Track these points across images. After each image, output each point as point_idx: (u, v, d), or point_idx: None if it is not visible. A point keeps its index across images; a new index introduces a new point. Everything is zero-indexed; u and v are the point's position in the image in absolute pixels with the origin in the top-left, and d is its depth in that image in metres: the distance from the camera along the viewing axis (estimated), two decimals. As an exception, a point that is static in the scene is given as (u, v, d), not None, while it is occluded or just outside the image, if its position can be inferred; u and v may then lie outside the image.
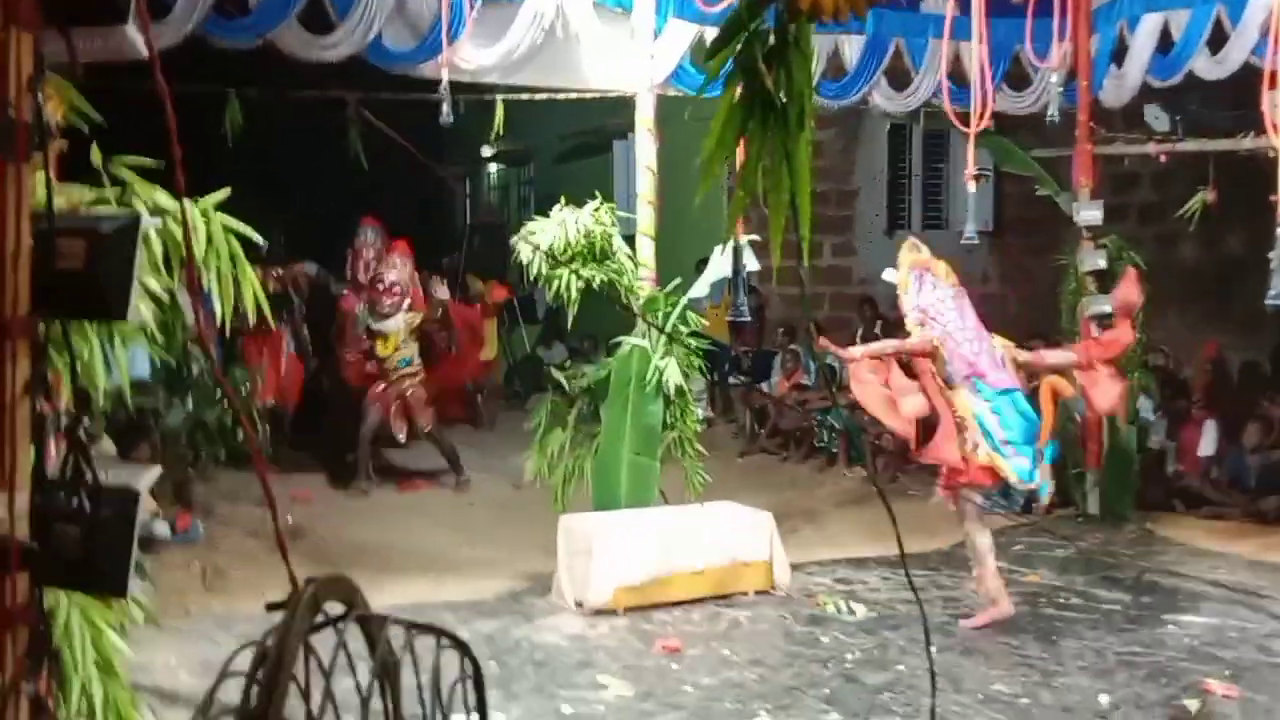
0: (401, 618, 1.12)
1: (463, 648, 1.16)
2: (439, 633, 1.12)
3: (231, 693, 1.01)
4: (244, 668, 0.96)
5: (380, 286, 10.36)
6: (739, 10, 1.85)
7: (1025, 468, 6.90)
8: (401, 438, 10.54)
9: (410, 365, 10.44)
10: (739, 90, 1.95)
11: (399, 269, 10.45)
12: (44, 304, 2.11)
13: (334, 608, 1.06)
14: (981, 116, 8.99)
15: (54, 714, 2.28)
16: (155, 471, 2.51)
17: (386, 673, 1.05)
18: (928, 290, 7.08)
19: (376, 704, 1.03)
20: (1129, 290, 7.78)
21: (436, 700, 1.09)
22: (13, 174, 2.10)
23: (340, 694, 1.05)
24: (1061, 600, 7.53)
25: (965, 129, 9.01)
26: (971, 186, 9.16)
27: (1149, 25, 9.72)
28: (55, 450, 2.24)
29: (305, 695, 0.97)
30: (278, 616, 0.96)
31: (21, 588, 2.05)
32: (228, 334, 8.20)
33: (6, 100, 2.09)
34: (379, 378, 10.42)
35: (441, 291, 10.81)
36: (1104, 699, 5.84)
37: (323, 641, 1.02)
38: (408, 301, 10.45)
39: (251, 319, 4.72)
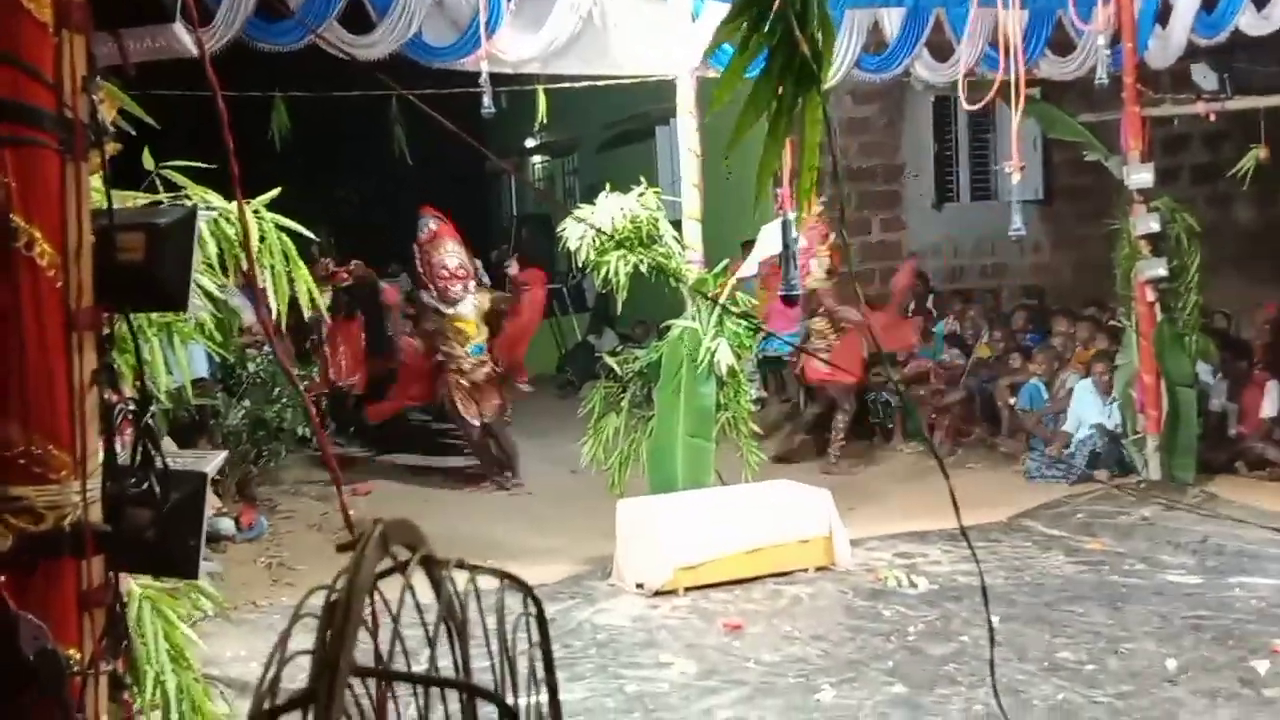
0: (465, 561, 1.17)
1: (525, 588, 1.21)
2: (502, 575, 1.16)
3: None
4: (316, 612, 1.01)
5: (445, 273, 9.85)
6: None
7: None
8: (476, 423, 10.12)
9: (482, 353, 10.02)
10: (765, 56, 1.98)
11: (458, 252, 9.96)
12: (107, 296, 2.18)
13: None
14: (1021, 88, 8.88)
15: (132, 694, 2.35)
16: (221, 456, 2.58)
17: (452, 614, 1.09)
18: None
19: (442, 647, 1.07)
20: (901, 277, 10.59)
21: (501, 638, 1.13)
22: (71, 171, 2.16)
23: (409, 639, 1.10)
24: (1126, 567, 7.47)
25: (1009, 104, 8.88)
26: (1016, 178, 9.00)
27: (1192, -17, 9.58)
28: (123, 439, 2.31)
29: (374, 635, 1.01)
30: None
31: (96, 571, 2.13)
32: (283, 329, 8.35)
33: (63, 101, 2.15)
34: (450, 376, 9.99)
35: (513, 268, 10.50)
36: (1171, 664, 5.80)
37: (389, 588, 1.07)
38: (473, 283, 10.04)
39: (307, 313, 4.83)
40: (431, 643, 1.07)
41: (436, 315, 10.03)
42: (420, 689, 1.06)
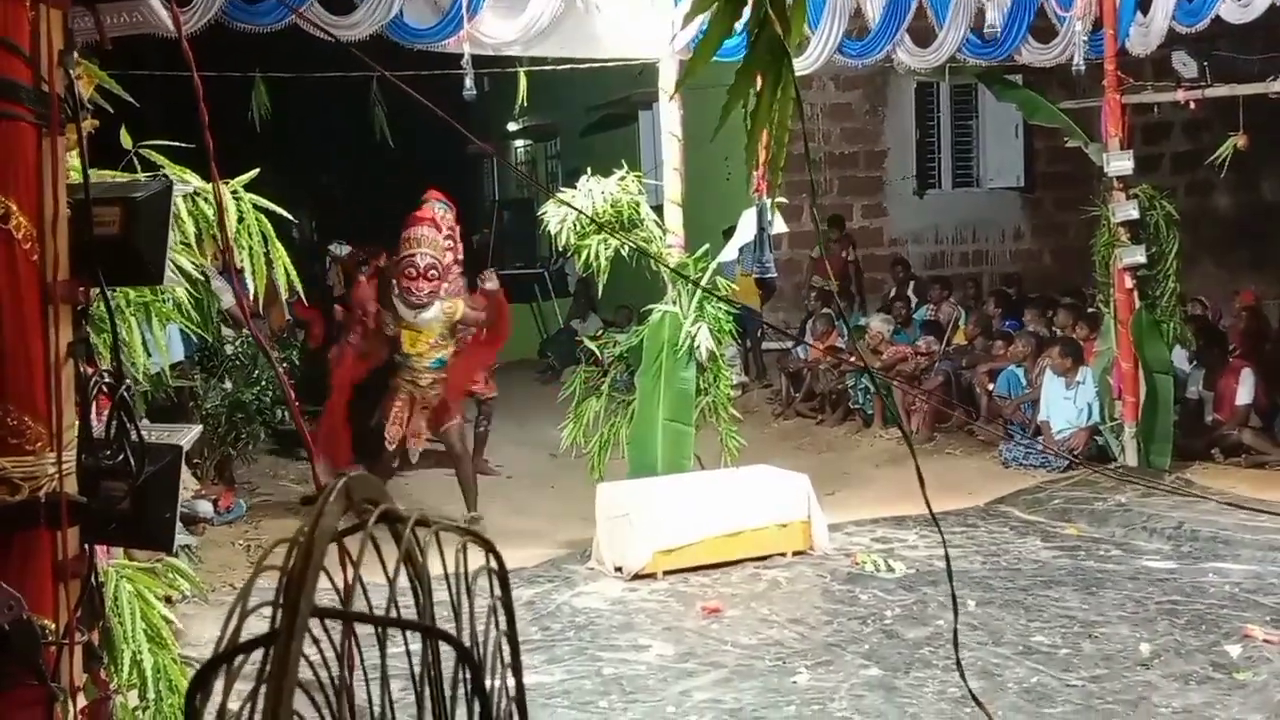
0: (427, 517, 1.18)
1: (487, 545, 1.22)
2: (464, 531, 1.17)
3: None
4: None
5: (411, 272, 8.23)
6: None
7: None
8: (415, 457, 8.68)
9: (441, 368, 8.47)
10: (744, 40, 2.00)
11: (434, 247, 8.32)
12: (83, 270, 2.18)
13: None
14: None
15: (109, 672, 2.36)
16: (196, 430, 2.58)
17: (411, 562, 1.10)
18: None
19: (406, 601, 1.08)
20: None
21: (460, 587, 1.15)
22: (47, 145, 2.16)
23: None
24: (1101, 552, 7.53)
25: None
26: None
27: (1174, -30, 9.62)
28: (99, 414, 2.31)
29: (335, 587, 1.03)
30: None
31: (72, 543, 2.13)
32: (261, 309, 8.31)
33: (39, 74, 2.15)
34: (398, 386, 8.46)
35: (491, 284, 8.59)
36: (1145, 648, 5.84)
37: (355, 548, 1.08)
38: (445, 286, 8.38)
39: (285, 295, 4.82)
40: (391, 582, 1.08)
41: (393, 317, 8.39)
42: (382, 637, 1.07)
